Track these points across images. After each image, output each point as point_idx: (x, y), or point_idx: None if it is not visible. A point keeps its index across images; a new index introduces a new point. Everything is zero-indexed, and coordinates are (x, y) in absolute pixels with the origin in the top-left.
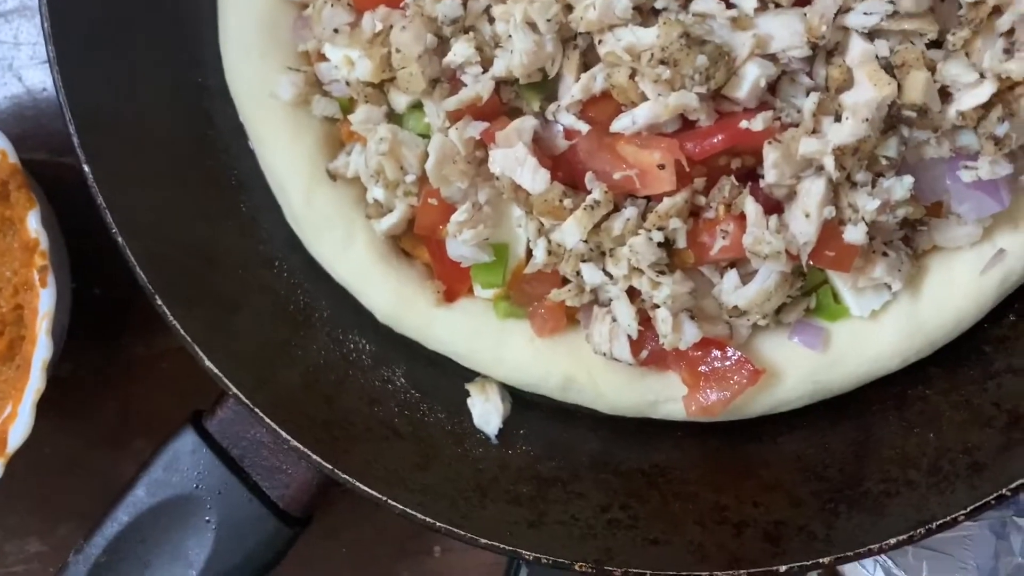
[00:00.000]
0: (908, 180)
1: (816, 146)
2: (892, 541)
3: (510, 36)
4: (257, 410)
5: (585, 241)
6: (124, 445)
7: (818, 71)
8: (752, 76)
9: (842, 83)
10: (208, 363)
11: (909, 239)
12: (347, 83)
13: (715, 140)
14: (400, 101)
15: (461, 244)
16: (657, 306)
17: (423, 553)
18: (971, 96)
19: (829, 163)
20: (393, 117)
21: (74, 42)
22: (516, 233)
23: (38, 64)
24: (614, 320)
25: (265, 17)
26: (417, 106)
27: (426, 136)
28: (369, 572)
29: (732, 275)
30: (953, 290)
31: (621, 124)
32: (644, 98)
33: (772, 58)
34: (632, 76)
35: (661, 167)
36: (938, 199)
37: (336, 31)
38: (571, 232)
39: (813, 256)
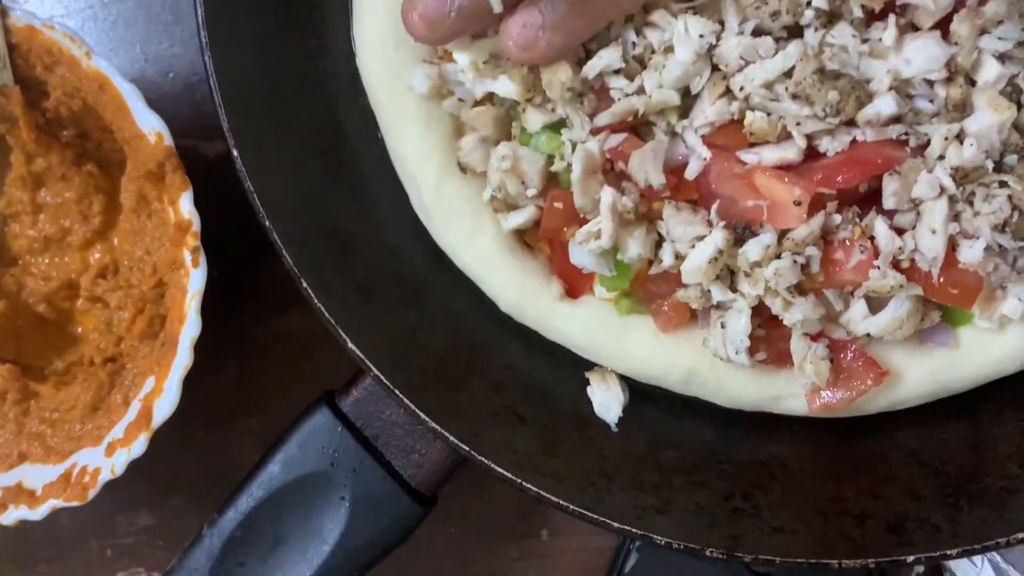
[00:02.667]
0: None
1: (934, 180)
2: (1021, 535)
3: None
4: (397, 391)
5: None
6: (236, 423)
7: (938, 92)
8: (887, 111)
9: (958, 103)
10: (351, 345)
11: None
12: (462, 99)
13: (855, 172)
14: (535, 121)
15: (587, 253)
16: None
17: (531, 536)
18: None
19: (949, 183)
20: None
21: (223, 30)
22: None
23: (165, 49)
24: (723, 327)
25: (399, 9)
26: (549, 127)
27: (552, 157)
28: (478, 552)
29: (860, 304)
30: None
31: (749, 157)
32: (783, 136)
33: (905, 83)
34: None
35: (797, 203)
36: None
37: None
38: (696, 263)
39: (935, 293)
